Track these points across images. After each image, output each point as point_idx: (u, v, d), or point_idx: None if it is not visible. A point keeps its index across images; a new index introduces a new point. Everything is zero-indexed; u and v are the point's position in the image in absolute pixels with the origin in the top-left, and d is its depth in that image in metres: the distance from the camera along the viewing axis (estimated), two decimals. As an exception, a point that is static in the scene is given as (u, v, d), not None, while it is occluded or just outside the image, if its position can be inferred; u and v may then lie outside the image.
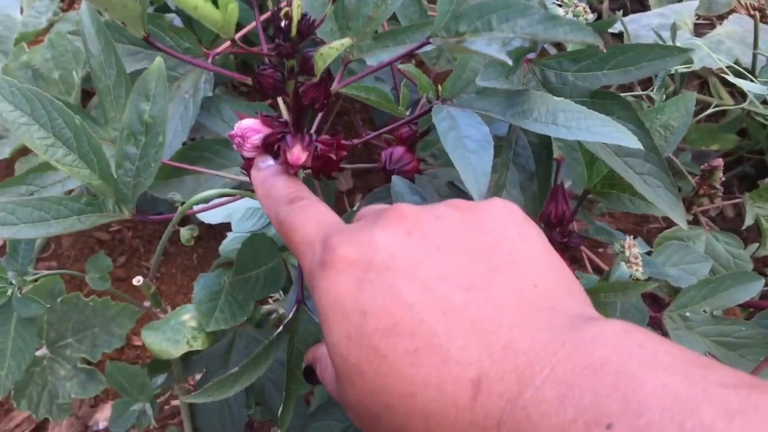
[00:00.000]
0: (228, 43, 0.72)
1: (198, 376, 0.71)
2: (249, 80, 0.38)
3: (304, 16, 0.34)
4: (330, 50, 0.33)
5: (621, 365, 0.23)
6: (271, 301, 0.67)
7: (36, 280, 0.60)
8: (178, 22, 0.73)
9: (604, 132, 0.36)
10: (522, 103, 0.39)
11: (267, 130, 0.39)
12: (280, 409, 0.46)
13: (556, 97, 0.39)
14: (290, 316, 0.45)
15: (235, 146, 0.40)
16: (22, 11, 0.91)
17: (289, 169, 0.38)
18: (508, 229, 0.31)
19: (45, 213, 0.41)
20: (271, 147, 0.39)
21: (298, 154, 0.37)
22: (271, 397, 0.63)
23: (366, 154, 0.96)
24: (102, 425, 0.80)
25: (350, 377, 0.29)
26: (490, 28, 0.35)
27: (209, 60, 0.66)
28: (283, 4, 0.34)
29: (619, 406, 0.22)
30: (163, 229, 0.98)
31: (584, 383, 0.23)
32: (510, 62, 0.33)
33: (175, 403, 0.81)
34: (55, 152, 0.42)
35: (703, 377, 0.22)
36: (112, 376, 0.59)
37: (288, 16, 0.33)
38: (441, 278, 0.28)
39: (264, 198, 0.38)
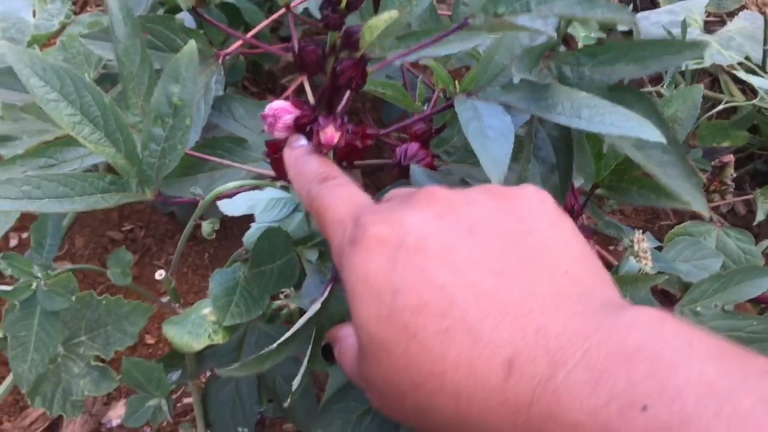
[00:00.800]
0: (238, 43, 0.73)
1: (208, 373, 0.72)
2: (288, 54, 0.38)
3: None
4: (378, 22, 0.34)
5: (656, 352, 0.23)
6: (281, 296, 0.67)
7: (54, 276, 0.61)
8: (189, 22, 0.74)
9: (629, 126, 0.37)
10: (547, 97, 0.40)
11: (298, 112, 0.40)
12: (296, 380, 0.46)
13: (581, 92, 0.39)
14: (325, 294, 0.45)
15: (266, 127, 0.40)
16: (34, 14, 0.92)
17: (322, 149, 0.39)
18: (540, 217, 0.31)
19: (70, 189, 0.41)
20: (301, 128, 0.40)
21: (331, 133, 0.38)
22: (283, 392, 0.64)
23: (376, 153, 0.97)
24: (115, 422, 0.81)
25: (377, 355, 0.29)
26: (528, 9, 0.35)
27: (220, 60, 0.67)
28: None
29: (653, 391, 0.22)
30: (175, 228, 0.99)
31: (617, 369, 0.23)
32: (555, 36, 0.34)
33: (187, 400, 0.81)
34: (83, 129, 0.42)
35: (741, 366, 0.22)
36: (128, 372, 0.59)
37: None
38: (473, 262, 0.28)
39: (296, 176, 0.39)
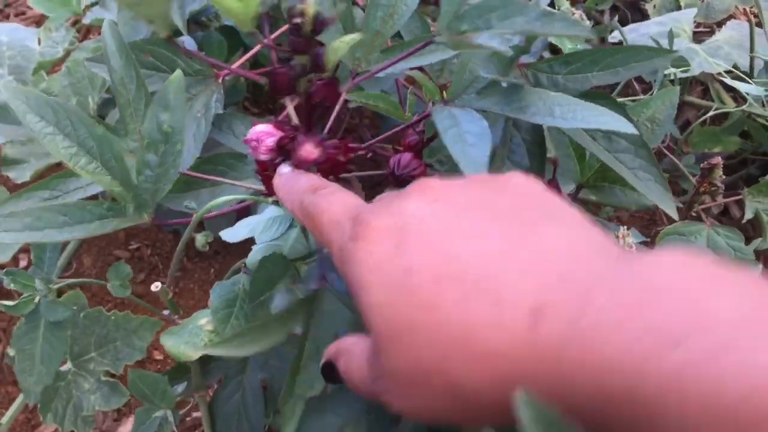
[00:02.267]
0: (237, 63, 0.75)
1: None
2: (262, 79, 0.40)
3: (317, 13, 0.36)
4: (341, 44, 0.35)
5: (685, 288, 0.23)
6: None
7: (59, 290, 0.62)
8: (189, 44, 0.76)
9: (600, 120, 0.38)
10: (520, 99, 0.42)
11: (280, 134, 0.41)
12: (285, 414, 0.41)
13: (552, 92, 0.41)
14: (311, 292, 0.44)
15: (250, 150, 0.42)
16: (39, 42, 0.95)
17: (301, 165, 0.40)
18: (531, 195, 0.31)
19: (69, 218, 0.43)
20: (284, 149, 0.42)
21: (309, 149, 0.40)
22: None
23: (374, 167, 0.99)
24: (125, 438, 0.82)
25: (397, 341, 0.28)
26: (490, 26, 0.37)
27: (220, 80, 0.69)
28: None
29: (686, 324, 0.22)
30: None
31: (647, 304, 0.23)
32: (511, 53, 0.35)
33: (196, 414, 0.83)
34: (79, 160, 0.44)
35: None
36: (134, 384, 0.61)
37: (303, 13, 0.35)
38: (476, 232, 0.28)
39: (286, 195, 0.39)
